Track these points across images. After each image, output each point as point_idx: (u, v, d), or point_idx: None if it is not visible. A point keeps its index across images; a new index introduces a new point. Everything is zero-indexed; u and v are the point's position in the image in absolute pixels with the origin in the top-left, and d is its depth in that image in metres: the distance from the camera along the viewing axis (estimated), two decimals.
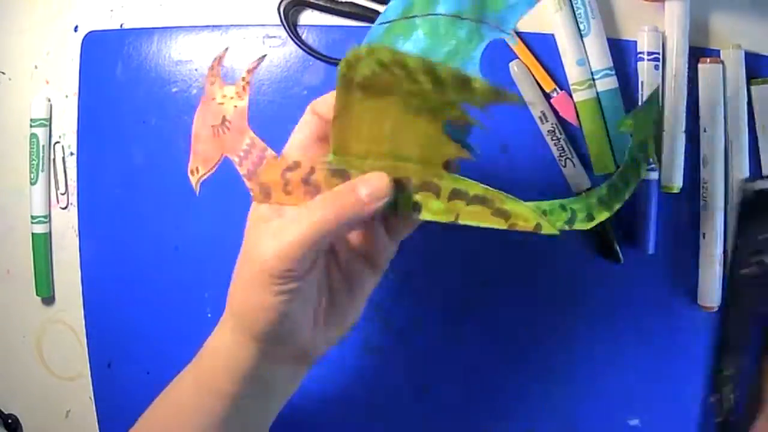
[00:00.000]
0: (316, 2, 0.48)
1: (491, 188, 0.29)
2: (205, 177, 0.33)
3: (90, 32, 0.52)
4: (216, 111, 0.33)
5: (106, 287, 0.53)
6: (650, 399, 0.49)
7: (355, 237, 0.34)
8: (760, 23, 0.46)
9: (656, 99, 0.36)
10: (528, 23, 0.47)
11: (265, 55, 0.35)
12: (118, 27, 0.52)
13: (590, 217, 0.30)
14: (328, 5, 0.48)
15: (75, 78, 0.52)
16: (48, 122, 0.53)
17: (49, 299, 0.55)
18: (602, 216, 0.31)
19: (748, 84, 0.46)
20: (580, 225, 0.30)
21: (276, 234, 0.29)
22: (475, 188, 0.30)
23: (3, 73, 0.55)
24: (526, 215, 0.29)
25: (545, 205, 0.30)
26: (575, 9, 0.45)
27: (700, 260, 0.47)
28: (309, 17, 0.49)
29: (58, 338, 0.56)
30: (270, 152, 0.31)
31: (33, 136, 0.53)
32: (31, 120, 0.53)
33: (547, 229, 0.29)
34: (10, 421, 0.57)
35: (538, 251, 0.48)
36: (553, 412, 0.49)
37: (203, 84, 0.33)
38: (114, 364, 0.54)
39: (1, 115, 0.55)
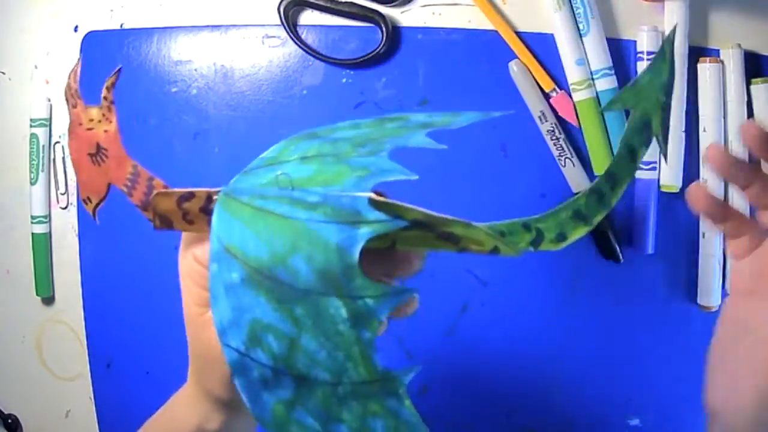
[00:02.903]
0: (316, 2, 0.48)
1: (433, 213, 0.25)
2: (101, 206, 0.30)
3: (90, 32, 0.52)
4: (87, 138, 0.28)
5: (106, 287, 0.53)
6: (650, 399, 0.49)
7: None
8: (760, 23, 0.46)
9: (667, 52, 0.28)
10: (527, 23, 0.47)
11: (121, 68, 0.30)
12: (118, 27, 0.52)
13: (561, 237, 0.26)
14: (328, 5, 0.48)
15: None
16: (48, 122, 0.53)
17: (49, 299, 0.55)
18: (577, 234, 0.26)
19: (748, 84, 0.46)
20: (549, 246, 0.26)
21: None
22: (412, 213, 0.25)
23: (3, 73, 0.55)
24: (478, 239, 0.25)
25: (502, 226, 0.26)
26: (574, 9, 0.45)
27: (700, 260, 0.47)
28: (309, 17, 0.49)
29: (58, 338, 0.56)
30: (158, 181, 0.28)
31: (33, 136, 0.53)
32: (31, 120, 0.53)
33: (507, 252, 0.26)
34: (10, 421, 0.57)
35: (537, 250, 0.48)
36: (553, 412, 0.49)
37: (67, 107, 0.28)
38: (114, 364, 0.54)
39: (1, 115, 0.55)
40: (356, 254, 0.22)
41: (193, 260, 0.29)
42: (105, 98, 0.27)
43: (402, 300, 0.23)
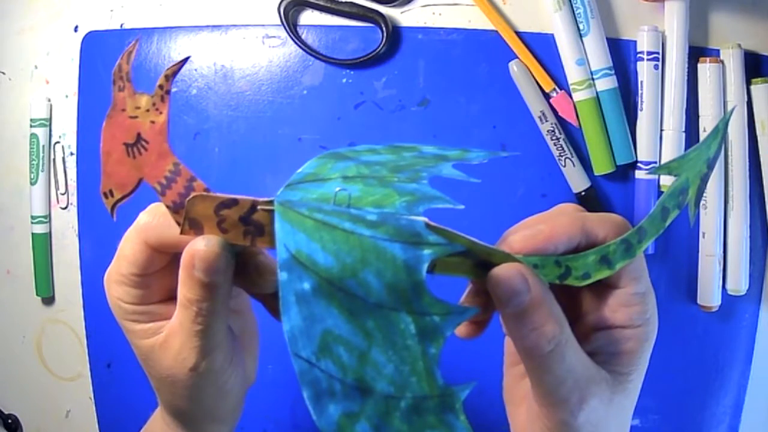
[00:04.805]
0: (316, 2, 0.48)
1: (477, 240, 0.26)
2: (123, 202, 0.29)
3: (90, 32, 0.52)
4: (127, 126, 0.28)
5: None
6: (650, 399, 0.49)
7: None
8: (760, 23, 0.46)
9: (721, 131, 0.29)
10: (527, 23, 0.47)
11: (188, 58, 0.29)
12: (118, 27, 0.52)
13: (586, 276, 0.28)
14: (328, 5, 0.48)
15: (75, 78, 0.52)
16: (48, 122, 0.53)
17: (49, 299, 0.55)
18: (600, 275, 0.28)
19: (748, 84, 0.46)
20: (574, 282, 0.28)
21: (173, 356, 0.29)
22: (460, 239, 0.25)
23: (3, 73, 0.55)
24: None
25: (536, 259, 0.27)
26: (575, 9, 0.45)
27: (700, 260, 0.47)
28: (309, 17, 0.49)
29: (58, 338, 0.56)
30: (199, 183, 0.27)
31: (33, 136, 0.53)
32: (31, 120, 0.53)
33: None
34: (10, 421, 0.57)
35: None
36: None
37: (112, 90, 0.28)
38: (114, 364, 0.53)
39: (1, 115, 0.55)
40: (423, 272, 0.23)
41: (118, 302, 0.29)
42: (161, 86, 0.28)
43: (465, 318, 0.24)
